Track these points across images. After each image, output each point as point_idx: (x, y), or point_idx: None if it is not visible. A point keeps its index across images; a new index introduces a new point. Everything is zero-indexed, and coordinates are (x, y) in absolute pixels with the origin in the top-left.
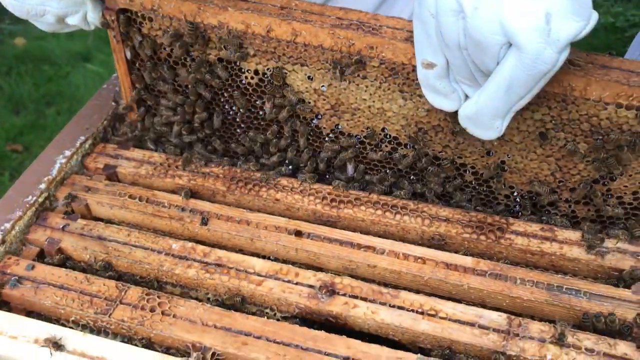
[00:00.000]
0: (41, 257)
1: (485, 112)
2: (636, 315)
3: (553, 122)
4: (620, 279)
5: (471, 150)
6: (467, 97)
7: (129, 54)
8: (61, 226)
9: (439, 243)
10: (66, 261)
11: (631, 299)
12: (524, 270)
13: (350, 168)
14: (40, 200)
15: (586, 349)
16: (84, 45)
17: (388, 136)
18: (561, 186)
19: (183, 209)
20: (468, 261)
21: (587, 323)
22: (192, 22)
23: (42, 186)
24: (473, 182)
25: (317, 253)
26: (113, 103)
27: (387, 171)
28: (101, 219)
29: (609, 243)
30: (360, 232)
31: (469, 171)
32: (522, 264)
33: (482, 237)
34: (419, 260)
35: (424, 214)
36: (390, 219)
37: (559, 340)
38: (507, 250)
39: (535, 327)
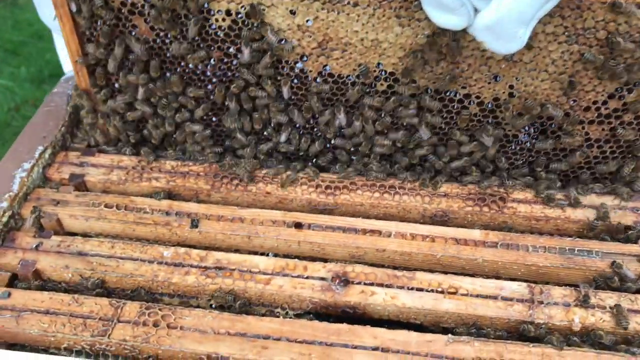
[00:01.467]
0: (13, 282)
1: (508, 19)
2: None
3: (566, 33)
4: (627, 239)
5: (476, 77)
6: (476, 11)
7: (74, 7)
8: (34, 245)
9: (441, 219)
10: (45, 283)
11: None
12: (533, 237)
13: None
14: (4, 220)
15: (610, 308)
16: None
17: (384, 73)
18: (574, 106)
19: (167, 213)
20: (476, 234)
21: (602, 284)
22: None
23: (4, 204)
24: (478, 114)
25: (322, 243)
26: (68, 108)
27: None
28: (75, 234)
29: (609, 201)
30: (360, 217)
31: (473, 102)
32: (526, 231)
33: (485, 209)
34: (428, 238)
35: (423, 192)
36: (390, 200)
37: (584, 303)
38: (511, 219)
39: (558, 293)
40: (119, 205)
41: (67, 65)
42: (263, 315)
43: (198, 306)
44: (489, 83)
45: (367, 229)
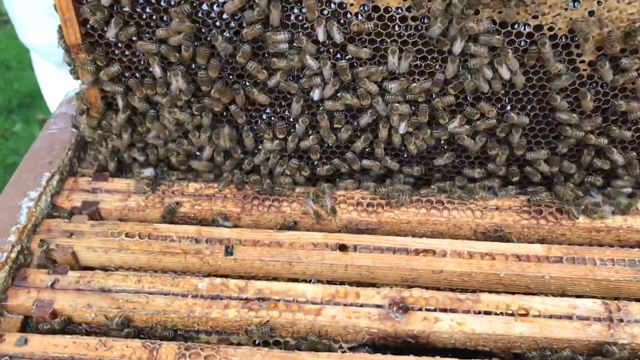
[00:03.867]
0: (25, 326)
1: None
2: None
3: None
4: None
5: (551, 2)
6: None
7: None
8: (49, 283)
9: (495, 235)
10: (65, 326)
11: None
12: (598, 250)
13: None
14: (13, 255)
15: None
16: None
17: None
18: None
19: (197, 240)
20: (539, 249)
21: None
22: None
23: (12, 238)
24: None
25: (371, 267)
26: (73, 129)
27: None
28: (92, 268)
29: None
30: (406, 236)
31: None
32: (586, 243)
33: (543, 221)
34: (487, 256)
35: (474, 206)
36: (438, 216)
37: None
38: (570, 232)
39: (637, 309)
40: (141, 234)
41: (45, 86)
42: (311, 349)
43: (239, 343)
44: (566, 10)
45: (420, 249)
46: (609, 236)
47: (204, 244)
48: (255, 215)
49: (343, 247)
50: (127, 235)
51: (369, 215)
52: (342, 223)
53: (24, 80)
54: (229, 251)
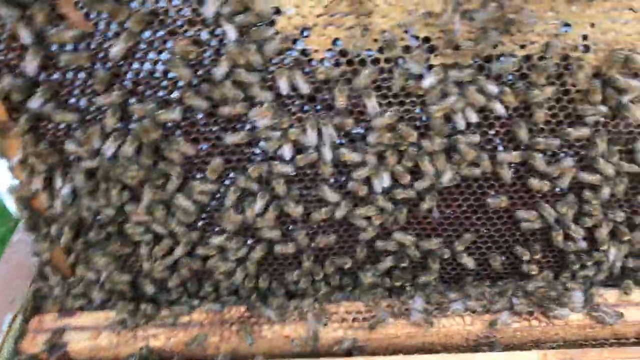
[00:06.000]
0: None
1: None
2: None
3: None
4: None
5: (540, 29)
6: None
7: None
8: None
9: (488, 342)
10: None
11: None
12: (595, 352)
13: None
14: None
15: None
16: None
17: (414, 40)
18: None
19: None
20: (534, 357)
21: None
22: None
23: None
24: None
25: None
26: (34, 257)
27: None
28: None
29: None
30: (395, 351)
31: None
32: (581, 340)
33: (535, 322)
34: None
35: (465, 313)
36: (428, 327)
37: None
38: (564, 331)
39: None
40: None
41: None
42: None
43: None
44: (557, 35)
45: None
46: (604, 331)
47: None
48: (235, 343)
49: None
50: None
51: (356, 332)
52: (328, 343)
53: None
54: None
